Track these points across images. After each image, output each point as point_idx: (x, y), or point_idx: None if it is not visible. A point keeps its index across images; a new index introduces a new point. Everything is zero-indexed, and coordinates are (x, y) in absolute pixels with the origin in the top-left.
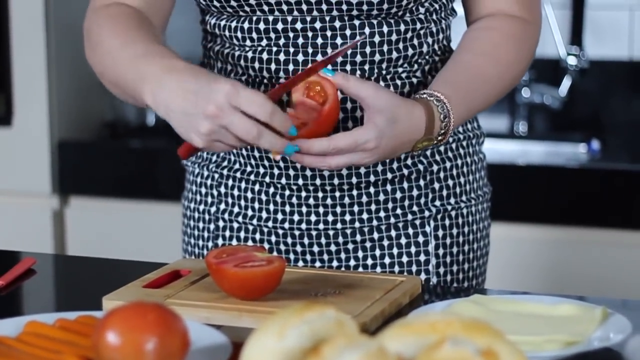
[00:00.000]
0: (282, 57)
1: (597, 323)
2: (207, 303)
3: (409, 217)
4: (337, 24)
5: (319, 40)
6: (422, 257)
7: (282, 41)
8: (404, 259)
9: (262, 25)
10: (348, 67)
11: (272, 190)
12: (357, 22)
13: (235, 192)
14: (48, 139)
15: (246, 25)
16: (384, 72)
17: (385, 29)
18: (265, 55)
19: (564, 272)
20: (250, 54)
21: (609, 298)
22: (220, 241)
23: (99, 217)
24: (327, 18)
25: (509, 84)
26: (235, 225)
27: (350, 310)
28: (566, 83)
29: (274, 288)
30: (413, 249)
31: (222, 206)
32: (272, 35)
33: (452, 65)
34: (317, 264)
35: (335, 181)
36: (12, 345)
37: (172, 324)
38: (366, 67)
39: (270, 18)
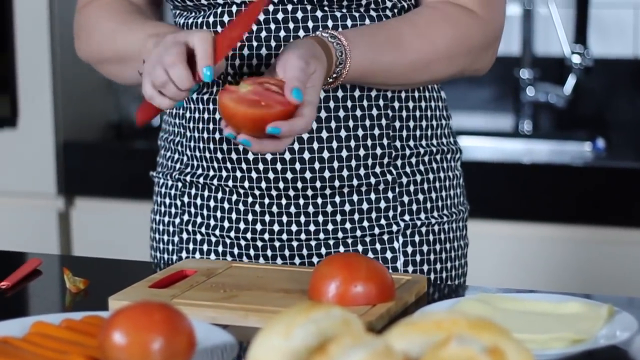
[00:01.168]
0: (245, 51)
1: (603, 321)
2: (213, 303)
3: (376, 230)
4: (299, 15)
5: (282, 33)
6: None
7: (245, 35)
8: None
9: (226, 18)
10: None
11: (234, 197)
12: (319, 14)
13: (198, 201)
14: (53, 140)
15: (211, 19)
16: None
17: (349, 22)
18: (229, 51)
19: (570, 270)
20: None
21: (615, 296)
22: (184, 254)
23: (105, 218)
24: (290, 9)
25: (429, 61)
26: (199, 237)
27: (356, 309)
28: (571, 81)
29: None
30: None
31: (186, 217)
32: None
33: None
34: (314, 259)
35: (299, 185)
36: (18, 345)
37: (178, 324)
38: None
39: (234, 10)
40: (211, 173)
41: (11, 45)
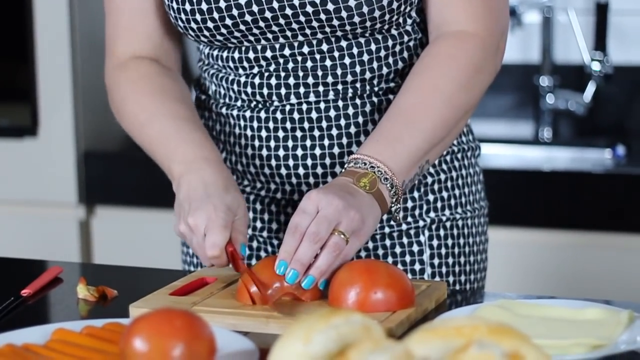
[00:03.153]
0: (273, 81)
1: (623, 326)
2: (233, 310)
3: (404, 227)
4: (325, 46)
5: (309, 64)
6: (417, 266)
7: (272, 67)
8: (399, 267)
9: (251, 54)
10: (340, 87)
11: (267, 200)
12: (344, 43)
13: None
14: (74, 149)
15: (237, 55)
16: (375, 88)
17: (373, 46)
18: (257, 80)
19: (590, 277)
20: (243, 79)
21: (635, 302)
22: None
23: (125, 227)
24: (314, 42)
25: (449, 98)
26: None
27: (376, 315)
28: (590, 89)
29: None
30: (408, 258)
31: None
32: (263, 62)
33: (385, 118)
34: None
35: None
36: (39, 352)
37: (199, 330)
38: (357, 85)
39: (259, 47)
40: (244, 182)
41: (32, 54)
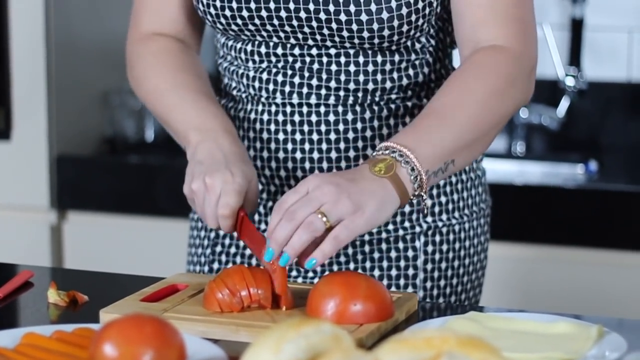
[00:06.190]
0: (280, 78)
1: (592, 341)
2: (204, 317)
3: (400, 232)
4: (333, 51)
5: (315, 66)
6: (411, 272)
7: (280, 64)
8: (393, 272)
9: (263, 49)
10: (342, 93)
11: (270, 204)
12: (351, 51)
13: None
14: (47, 153)
15: (249, 47)
16: (377, 99)
17: (379, 58)
18: (265, 76)
19: (561, 291)
20: (252, 73)
21: (605, 317)
22: (215, 265)
23: (97, 232)
24: (322, 46)
25: (484, 101)
26: (233, 250)
27: (347, 325)
28: (564, 104)
29: None
30: (402, 263)
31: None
32: (273, 58)
33: (417, 117)
34: (309, 274)
35: None
36: (9, 356)
37: (169, 337)
38: (359, 94)
39: (271, 43)
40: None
41: (6, 58)
